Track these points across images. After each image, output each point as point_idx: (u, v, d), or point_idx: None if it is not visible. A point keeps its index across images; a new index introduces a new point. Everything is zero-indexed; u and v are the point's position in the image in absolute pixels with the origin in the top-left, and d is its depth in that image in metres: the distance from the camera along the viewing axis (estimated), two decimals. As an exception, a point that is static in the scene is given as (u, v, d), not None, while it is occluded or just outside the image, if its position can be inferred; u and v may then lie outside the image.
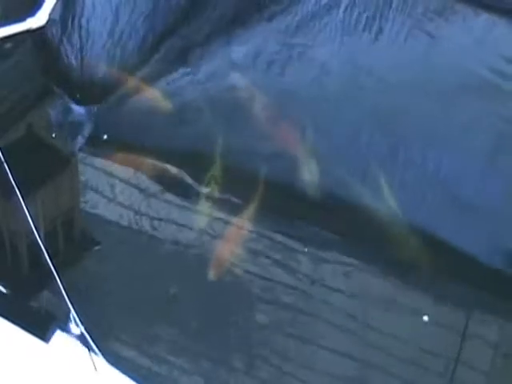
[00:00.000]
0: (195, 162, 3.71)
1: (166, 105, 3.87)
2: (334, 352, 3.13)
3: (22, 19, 3.51)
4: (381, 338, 3.17)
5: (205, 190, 3.61)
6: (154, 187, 3.63)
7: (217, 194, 3.60)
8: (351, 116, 3.89)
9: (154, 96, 3.93)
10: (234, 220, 3.52)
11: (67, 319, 2.73)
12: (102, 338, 2.78)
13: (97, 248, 3.36)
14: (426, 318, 3.22)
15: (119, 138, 3.81)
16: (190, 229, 3.48)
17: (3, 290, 2.98)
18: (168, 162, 3.70)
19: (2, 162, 3.17)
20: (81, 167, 3.73)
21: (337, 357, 3.11)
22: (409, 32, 4.25)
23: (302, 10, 4.35)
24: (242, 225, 3.49)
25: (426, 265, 3.43)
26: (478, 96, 3.93)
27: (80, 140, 3.78)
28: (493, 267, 3.41)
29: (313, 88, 4.04)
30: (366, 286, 3.33)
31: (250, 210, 3.52)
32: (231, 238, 3.45)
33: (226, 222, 3.51)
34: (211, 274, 3.26)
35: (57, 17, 3.73)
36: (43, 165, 3.60)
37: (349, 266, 3.39)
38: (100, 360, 2.66)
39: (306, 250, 3.40)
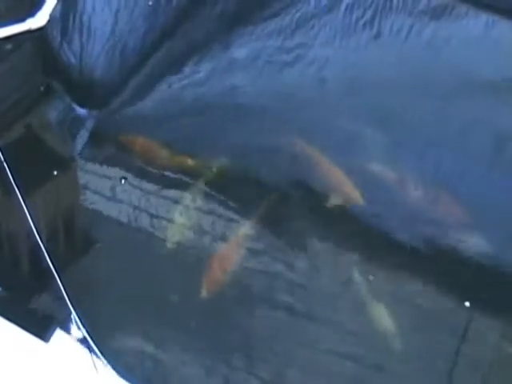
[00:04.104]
0: (196, 161, 3.72)
1: None
2: (335, 350, 3.13)
3: (21, 20, 3.51)
4: (380, 337, 3.16)
5: (206, 189, 3.61)
6: (155, 186, 3.63)
7: (218, 194, 3.60)
8: (351, 116, 3.90)
9: None
10: (235, 220, 3.52)
11: (68, 320, 2.74)
12: (103, 338, 2.79)
13: (97, 248, 3.36)
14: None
15: (120, 137, 3.82)
16: (191, 228, 3.48)
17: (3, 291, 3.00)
18: (170, 162, 3.71)
19: (2, 162, 3.18)
20: (81, 167, 3.73)
21: (338, 355, 3.12)
22: (409, 32, 4.25)
23: (302, 10, 4.34)
24: (243, 229, 3.49)
25: (426, 264, 3.43)
26: (478, 96, 3.92)
27: (81, 140, 3.79)
28: (493, 266, 3.42)
29: (312, 88, 4.05)
30: (365, 286, 3.33)
31: (252, 210, 3.52)
32: (229, 251, 3.44)
33: (227, 222, 3.51)
34: (205, 291, 3.24)
35: (57, 17, 3.73)
36: (43, 165, 3.60)
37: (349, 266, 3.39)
38: (101, 360, 2.67)
39: (371, 277, 3.35)
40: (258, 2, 4.38)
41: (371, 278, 3.33)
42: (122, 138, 3.79)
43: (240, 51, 4.17)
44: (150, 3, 3.92)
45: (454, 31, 4.26)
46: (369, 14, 4.33)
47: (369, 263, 3.40)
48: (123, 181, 3.62)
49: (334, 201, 3.59)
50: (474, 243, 3.47)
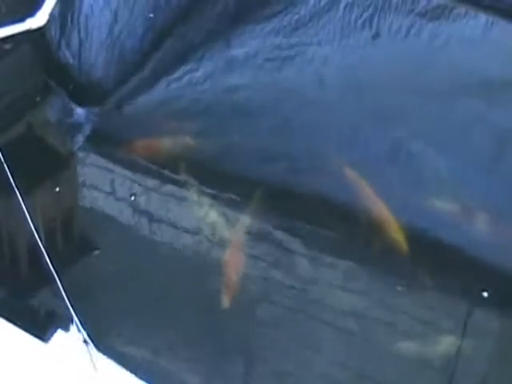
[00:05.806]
0: (195, 161, 3.72)
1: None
2: (335, 350, 3.14)
3: (21, 19, 3.52)
4: (379, 338, 3.17)
5: (205, 189, 3.61)
6: (155, 187, 3.63)
7: (217, 194, 3.60)
8: (350, 116, 3.90)
9: None
10: (235, 220, 3.52)
11: (68, 321, 2.74)
12: (103, 338, 2.79)
13: (97, 248, 3.36)
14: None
15: (119, 138, 3.82)
16: (191, 228, 3.48)
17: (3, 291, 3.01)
18: (167, 163, 3.71)
19: (2, 162, 3.18)
20: (80, 166, 3.74)
21: (336, 354, 3.13)
22: (408, 31, 4.26)
23: (301, 10, 4.35)
24: (243, 228, 3.49)
25: (424, 264, 3.43)
26: (477, 96, 3.93)
27: (80, 140, 3.79)
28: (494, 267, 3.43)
29: (312, 87, 4.05)
30: (365, 287, 3.34)
31: (251, 210, 3.53)
32: (235, 252, 3.43)
33: (227, 221, 3.52)
34: (225, 301, 3.21)
35: (55, 17, 3.73)
36: (43, 165, 3.60)
37: (349, 266, 3.40)
38: (100, 360, 2.68)
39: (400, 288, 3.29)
40: (257, 2, 4.39)
41: (399, 288, 3.32)
42: (124, 146, 3.78)
43: (239, 50, 4.17)
44: (151, 15, 3.94)
45: (454, 31, 4.27)
46: (368, 13, 4.34)
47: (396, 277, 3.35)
48: (124, 180, 3.63)
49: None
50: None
